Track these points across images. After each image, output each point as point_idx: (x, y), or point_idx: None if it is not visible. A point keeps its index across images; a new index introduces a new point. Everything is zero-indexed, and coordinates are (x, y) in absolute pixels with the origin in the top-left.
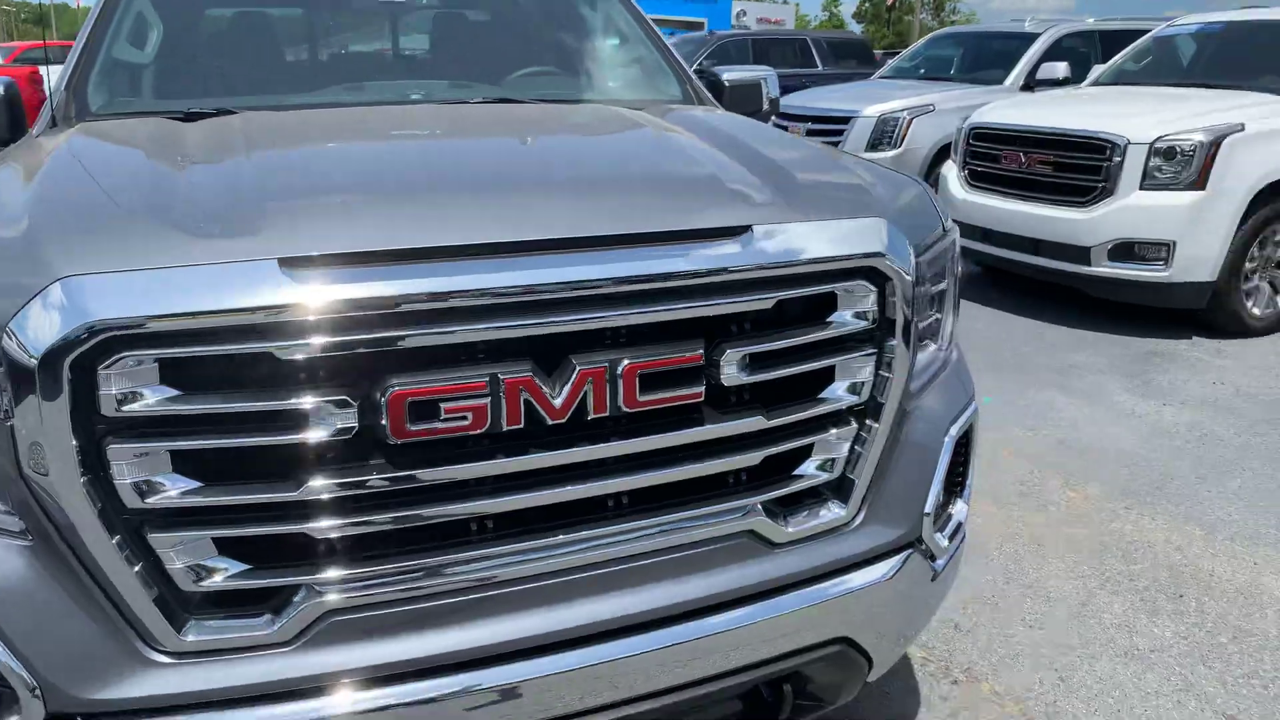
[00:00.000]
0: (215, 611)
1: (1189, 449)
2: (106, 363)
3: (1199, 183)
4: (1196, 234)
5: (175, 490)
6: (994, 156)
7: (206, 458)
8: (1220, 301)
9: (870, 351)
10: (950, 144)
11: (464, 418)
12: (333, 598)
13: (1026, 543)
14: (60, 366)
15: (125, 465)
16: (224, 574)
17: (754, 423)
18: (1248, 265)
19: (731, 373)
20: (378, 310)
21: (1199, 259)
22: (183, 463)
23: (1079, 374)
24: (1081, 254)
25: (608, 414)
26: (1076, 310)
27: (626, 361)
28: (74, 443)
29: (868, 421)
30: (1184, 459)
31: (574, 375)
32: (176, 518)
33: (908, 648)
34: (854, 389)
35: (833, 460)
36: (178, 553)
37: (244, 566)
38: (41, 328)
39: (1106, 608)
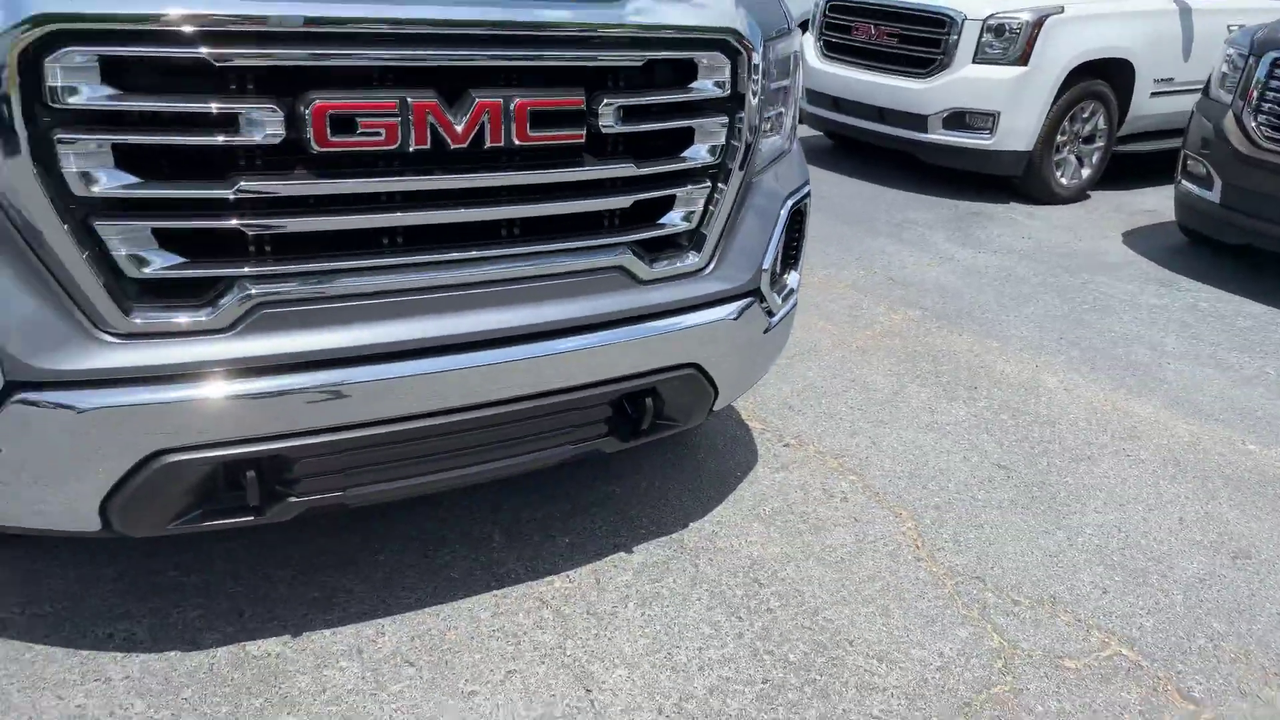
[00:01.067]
0: (160, 301)
1: (994, 285)
2: (51, 55)
3: (1022, 59)
4: (1018, 106)
5: (116, 183)
6: (847, 28)
7: (146, 154)
8: (1034, 170)
9: (724, 119)
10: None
11: (378, 133)
12: (260, 290)
13: (853, 350)
14: (10, 57)
15: (71, 155)
16: (163, 263)
17: (625, 169)
18: (1059, 139)
19: (608, 122)
20: (295, 29)
21: (1018, 130)
22: (125, 160)
23: (911, 228)
24: (919, 122)
25: (502, 145)
26: (915, 176)
27: (518, 99)
28: (24, 131)
29: (719, 184)
30: (989, 292)
31: (472, 105)
32: (119, 208)
33: (747, 389)
34: (711, 150)
35: (691, 213)
36: (121, 241)
37: (182, 259)
38: None
39: (914, 395)
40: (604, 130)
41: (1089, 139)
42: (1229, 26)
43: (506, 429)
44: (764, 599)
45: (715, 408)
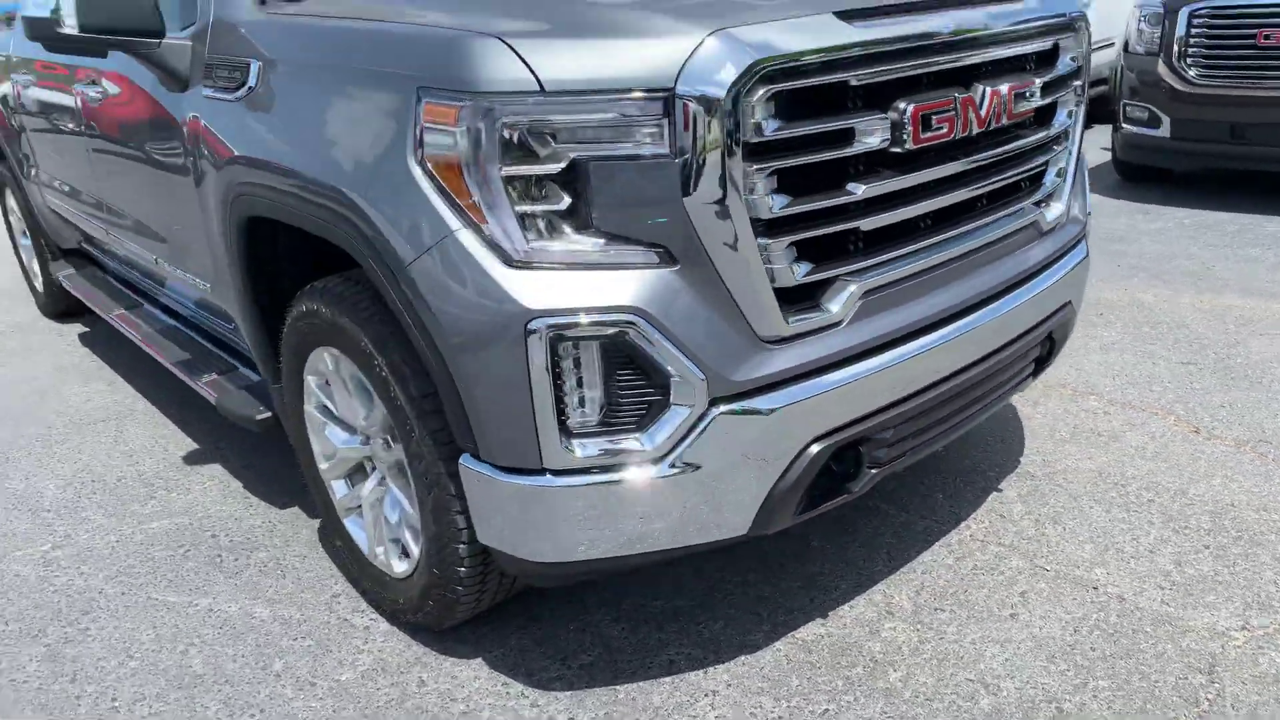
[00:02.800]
0: (795, 307)
1: None
2: (753, 96)
3: None
4: None
5: (781, 204)
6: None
7: (792, 174)
8: None
9: (1074, 88)
10: None
11: (941, 128)
12: (861, 282)
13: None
14: (731, 102)
15: (759, 183)
16: (802, 272)
17: (1044, 135)
18: None
19: (1037, 98)
20: (898, 46)
21: None
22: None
23: None
24: None
25: (994, 126)
26: None
27: (1005, 85)
28: (731, 166)
29: (1069, 144)
30: None
31: (986, 95)
32: (780, 226)
33: None
34: (1068, 115)
35: (1060, 170)
36: (779, 255)
37: (812, 265)
38: (709, 72)
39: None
40: (1034, 105)
41: None
42: None
43: (990, 379)
44: (1135, 493)
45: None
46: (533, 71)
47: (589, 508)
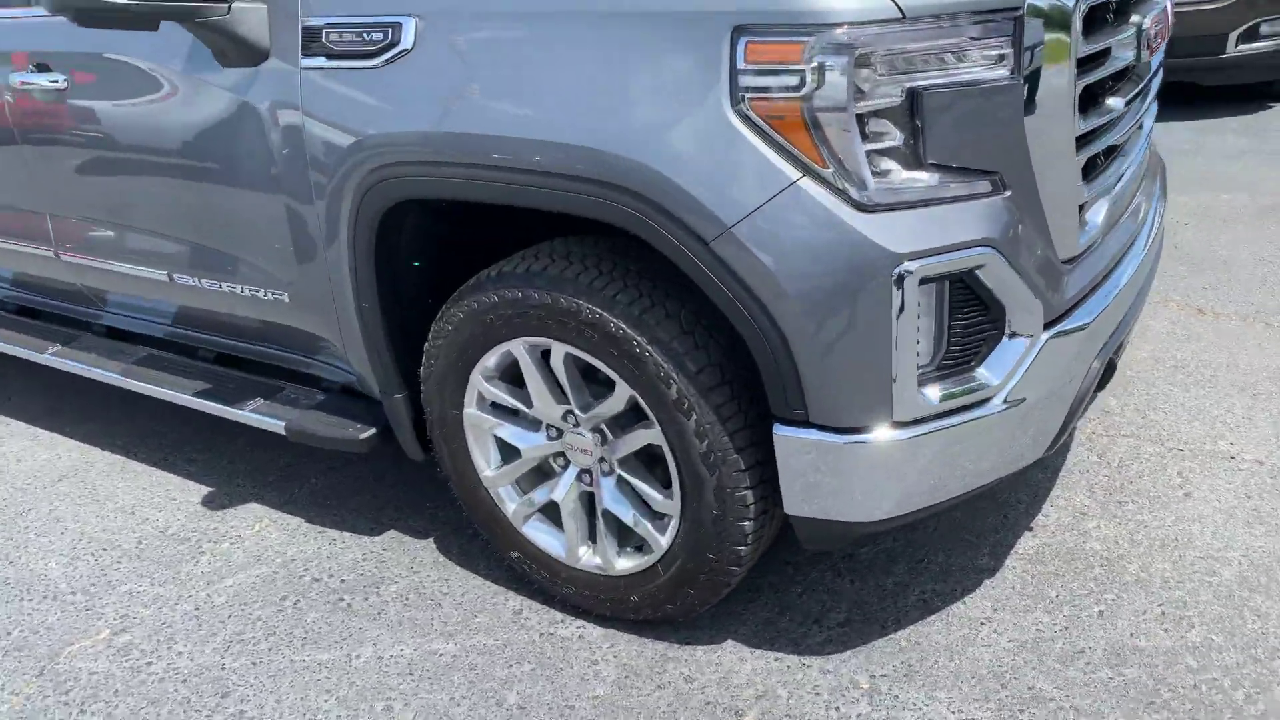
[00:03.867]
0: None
1: None
2: (1081, 7)
3: None
4: None
5: (1084, 119)
6: None
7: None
8: None
9: None
10: None
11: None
12: (1106, 202)
13: None
14: (1075, 15)
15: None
16: (1088, 188)
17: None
18: None
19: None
20: None
21: None
22: None
23: None
24: None
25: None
26: None
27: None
28: (1068, 82)
29: None
30: None
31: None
32: (1080, 143)
33: None
34: None
35: None
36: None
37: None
38: None
39: None
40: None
41: None
42: None
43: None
44: (1196, 371)
45: None
46: None
47: (937, 455)
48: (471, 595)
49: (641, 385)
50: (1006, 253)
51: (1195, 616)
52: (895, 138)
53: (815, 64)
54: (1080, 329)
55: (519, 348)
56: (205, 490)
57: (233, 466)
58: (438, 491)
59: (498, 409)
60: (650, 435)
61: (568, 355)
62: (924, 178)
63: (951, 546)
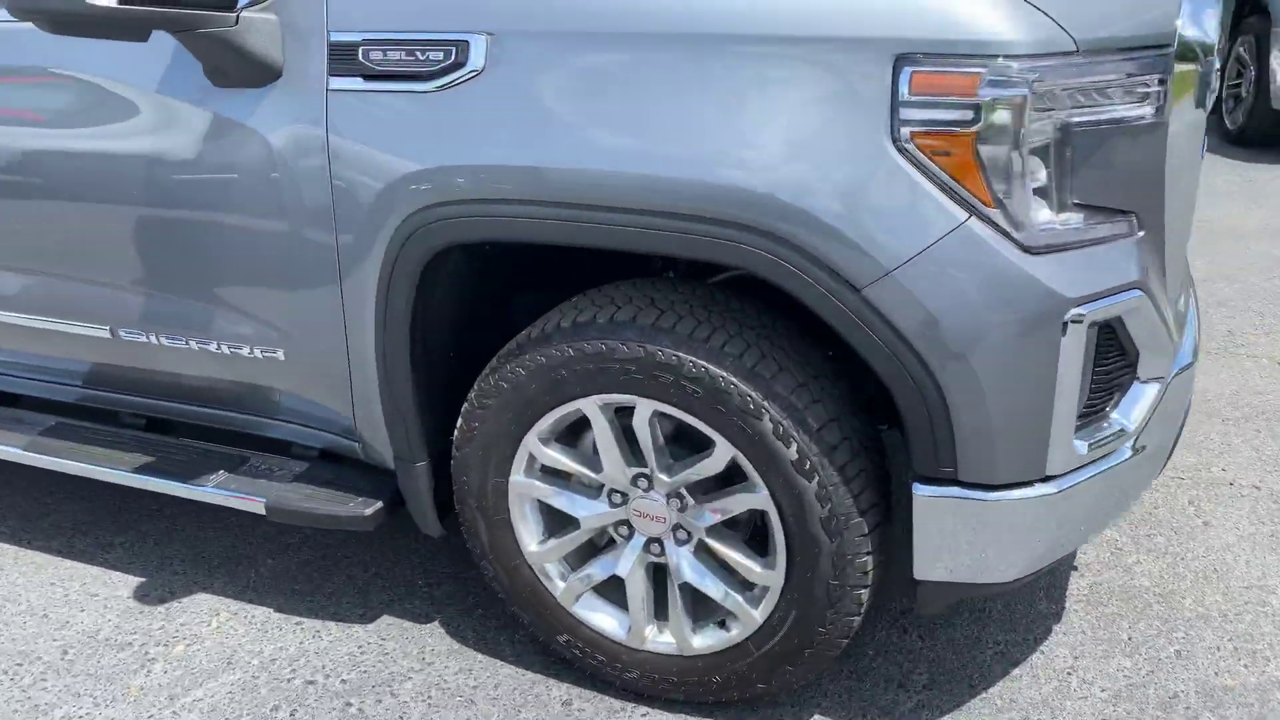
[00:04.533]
0: None
1: None
2: None
3: None
4: None
5: None
6: None
7: None
8: None
9: None
10: None
11: None
12: None
13: None
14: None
15: None
16: None
17: None
18: None
19: None
20: None
21: None
22: None
23: None
24: None
25: None
26: None
27: None
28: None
29: None
30: None
31: None
32: None
33: None
34: None
35: None
36: None
37: None
38: (1199, 16)
39: None
40: None
41: None
42: None
43: None
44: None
45: None
46: (1063, 28)
47: (1076, 508)
48: (506, 687)
49: (751, 445)
50: (1152, 295)
51: (1266, 649)
52: (1044, 176)
53: (990, 97)
54: (1188, 368)
55: (591, 406)
56: (135, 581)
57: (162, 551)
58: (429, 568)
59: (548, 474)
60: (754, 500)
61: (655, 414)
62: (1074, 219)
63: (1004, 593)
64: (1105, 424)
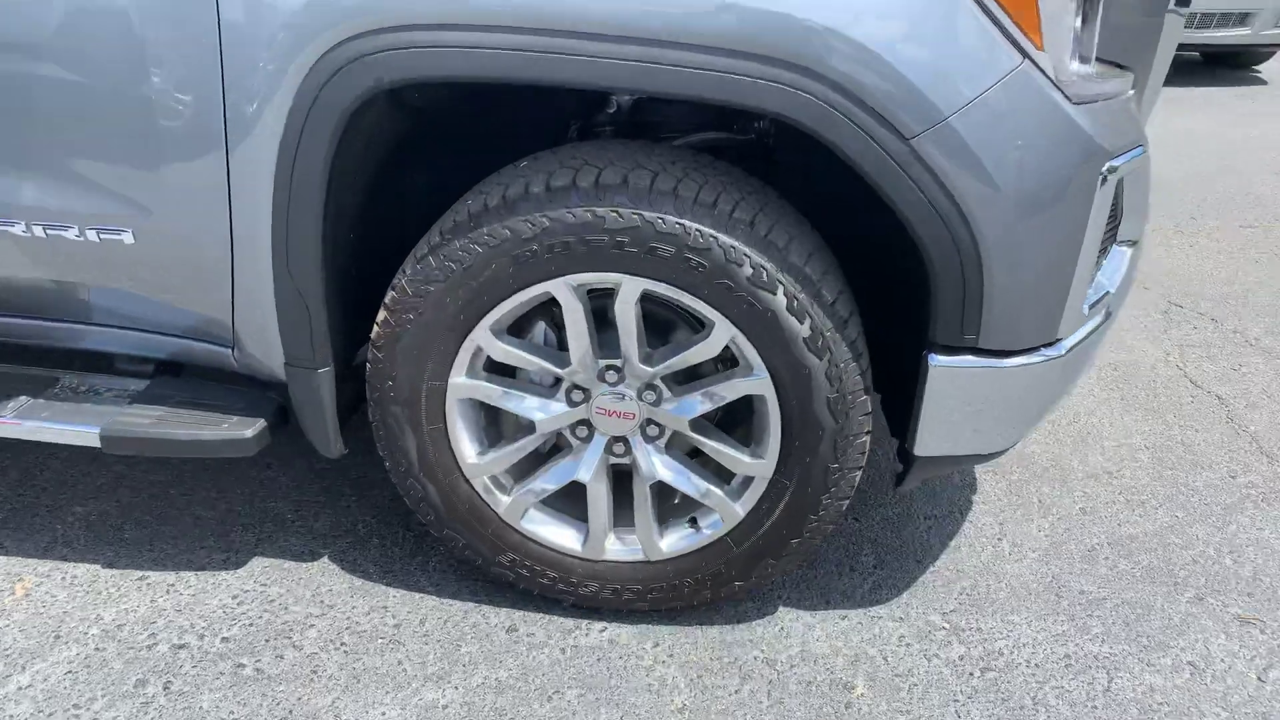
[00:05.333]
0: None
1: None
2: None
3: None
4: None
5: None
6: None
7: None
8: None
9: None
10: None
11: None
12: None
13: None
14: None
15: None
16: None
17: None
18: None
19: None
20: None
21: None
22: None
23: None
24: None
25: None
26: None
27: None
28: None
29: None
30: None
31: None
32: None
33: None
34: None
35: None
36: None
37: None
38: None
39: None
40: None
41: None
42: None
43: None
44: None
45: None
46: None
47: (1071, 369)
48: (434, 620)
49: (758, 324)
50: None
51: (1151, 499)
52: (1078, 24)
53: None
54: (1137, 241)
55: (563, 287)
56: None
57: None
58: (296, 498)
59: (493, 373)
60: (751, 384)
61: (645, 293)
62: (1093, 71)
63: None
64: (1094, 286)
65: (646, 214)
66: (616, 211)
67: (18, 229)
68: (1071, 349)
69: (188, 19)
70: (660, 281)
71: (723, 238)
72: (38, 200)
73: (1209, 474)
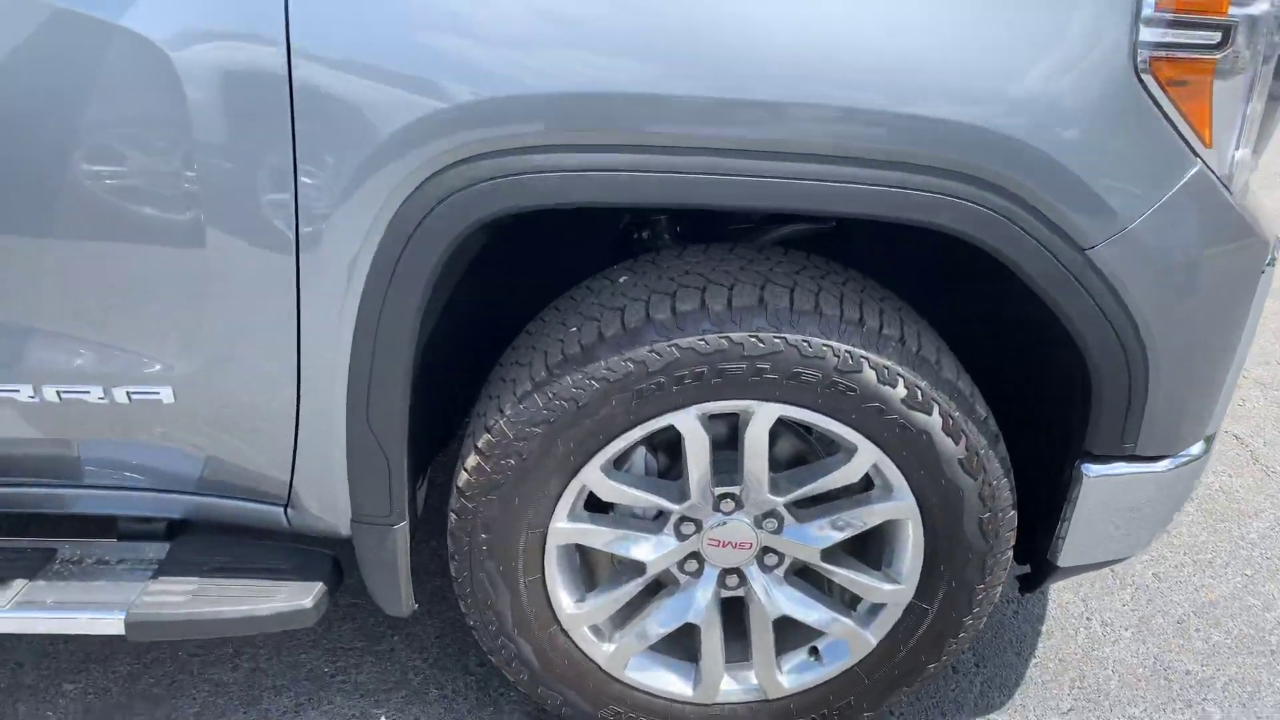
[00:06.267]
0: None
1: None
2: None
3: None
4: None
5: None
6: None
7: None
8: None
9: None
10: None
11: None
12: None
13: None
14: None
15: None
16: None
17: None
18: None
19: None
20: None
21: None
22: None
23: None
24: None
25: None
26: None
27: None
28: None
29: None
30: None
31: None
32: None
33: None
34: None
35: None
36: None
37: None
38: None
39: None
40: None
41: None
42: None
43: None
44: None
45: None
46: None
47: (1206, 463)
48: None
49: (908, 445)
50: None
51: (1215, 558)
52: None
53: (1246, 14)
54: None
55: (689, 419)
56: None
57: None
58: (329, 647)
59: (596, 514)
60: (892, 509)
61: (780, 420)
62: (1251, 159)
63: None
64: None
65: (790, 337)
66: (756, 337)
67: (22, 394)
68: (1209, 447)
69: (259, 142)
70: (800, 407)
71: (874, 358)
72: (49, 360)
73: (1258, 523)
